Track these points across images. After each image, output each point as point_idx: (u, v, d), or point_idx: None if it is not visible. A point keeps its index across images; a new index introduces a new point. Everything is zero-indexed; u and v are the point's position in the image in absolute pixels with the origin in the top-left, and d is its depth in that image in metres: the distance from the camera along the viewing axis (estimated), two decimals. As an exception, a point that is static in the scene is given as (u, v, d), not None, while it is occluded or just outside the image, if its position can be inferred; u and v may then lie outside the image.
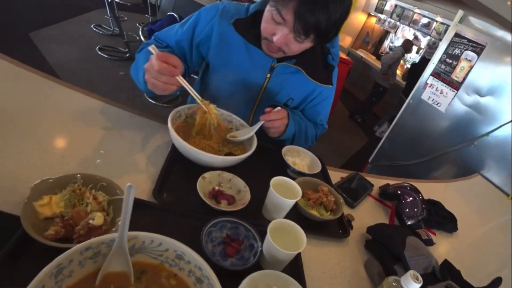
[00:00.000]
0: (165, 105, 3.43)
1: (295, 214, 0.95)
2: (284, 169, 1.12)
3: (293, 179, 0.95)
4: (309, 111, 1.30)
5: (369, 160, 3.25)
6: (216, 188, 0.89)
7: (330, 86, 1.22)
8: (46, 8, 4.53)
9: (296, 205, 0.93)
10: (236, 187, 0.92)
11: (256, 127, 1.05)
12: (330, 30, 0.94)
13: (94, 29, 4.44)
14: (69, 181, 0.68)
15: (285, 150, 1.14)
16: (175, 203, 0.82)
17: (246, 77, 1.16)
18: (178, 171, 0.92)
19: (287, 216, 0.87)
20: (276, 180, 0.88)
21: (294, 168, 1.08)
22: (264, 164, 1.10)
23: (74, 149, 0.86)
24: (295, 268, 0.78)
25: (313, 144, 1.36)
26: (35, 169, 0.76)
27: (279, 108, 1.07)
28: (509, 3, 1.55)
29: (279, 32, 0.95)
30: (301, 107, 1.28)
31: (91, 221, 0.60)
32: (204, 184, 0.87)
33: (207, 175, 0.89)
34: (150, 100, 3.37)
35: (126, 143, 0.96)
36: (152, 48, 0.89)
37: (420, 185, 1.40)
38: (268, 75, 1.15)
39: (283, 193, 0.84)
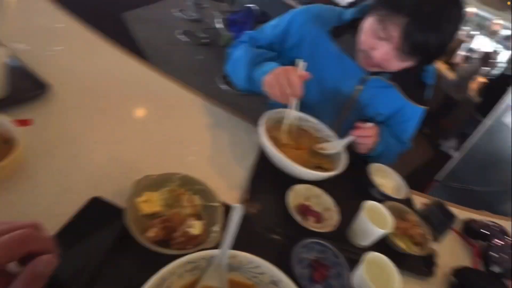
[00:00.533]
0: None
1: (379, 245, 0.85)
2: (366, 188, 1.03)
3: (377, 200, 0.87)
4: (396, 128, 1.19)
5: (437, 179, 2.98)
6: (304, 202, 0.84)
7: (423, 108, 1.13)
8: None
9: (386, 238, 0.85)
10: (324, 204, 0.86)
11: (346, 141, 0.99)
12: (439, 52, 0.85)
13: (177, 13, 4.58)
14: (167, 180, 0.67)
15: (374, 169, 1.05)
16: (261, 213, 0.78)
17: (335, 87, 1.09)
18: (265, 179, 0.89)
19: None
20: (368, 204, 0.81)
21: (381, 191, 0.99)
22: (347, 179, 1.00)
23: (174, 145, 0.87)
24: None
25: (394, 162, 1.25)
26: (134, 161, 0.77)
27: (371, 124, 1.00)
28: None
29: (381, 48, 0.88)
30: (387, 122, 1.18)
31: (189, 229, 0.58)
32: (293, 197, 0.83)
33: (297, 187, 0.85)
34: (221, 87, 3.40)
35: (219, 141, 0.95)
36: (302, 65, 0.92)
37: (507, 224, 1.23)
38: (359, 87, 1.07)
39: (374, 219, 0.78)
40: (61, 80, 0.88)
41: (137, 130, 0.86)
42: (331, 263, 0.72)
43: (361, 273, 0.64)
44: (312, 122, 1.06)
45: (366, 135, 0.99)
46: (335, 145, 1.01)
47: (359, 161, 1.08)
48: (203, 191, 0.68)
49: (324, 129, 1.06)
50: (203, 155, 0.88)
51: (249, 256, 0.54)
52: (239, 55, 1.06)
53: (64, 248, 0.43)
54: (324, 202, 0.87)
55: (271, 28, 1.13)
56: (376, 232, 0.78)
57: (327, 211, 0.85)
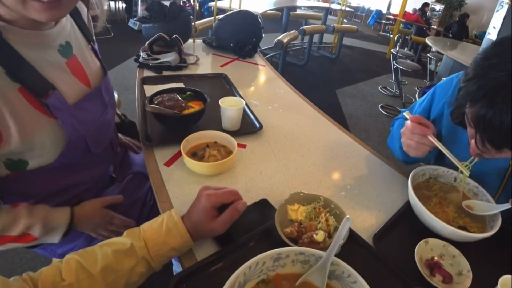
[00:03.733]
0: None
1: None
2: None
3: None
4: None
5: None
6: (436, 258, 0.75)
7: None
8: (350, 72, 5.28)
9: None
10: (458, 267, 0.74)
11: (502, 207, 0.81)
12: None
13: (381, 90, 4.72)
14: (315, 199, 0.80)
15: None
16: (388, 252, 0.77)
17: (484, 164, 0.89)
18: (404, 227, 0.86)
19: None
20: (506, 278, 0.66)
21: None
22: (497, 248, 0.82)
23: (332, 177, 1.00)
24: None
25: None
26: (298, 178, 0.96)
27: None
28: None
29: (471, 139, 0.74)
30: None
31: (314, 235, 0.69)
32: (425, 249, 0.76)
33: (431, 240, 0.77)
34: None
35: (370, 186, 0.99)
36: (406, 113, 0.89)
37: None
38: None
39: None
40: (270, 124, 1.20)
41: (310, 165, 1.03)
42: None
43: None
44: (469, 183, 0.92)
45: None
46: (488, 208, 0.84)
47: None
48: (339, 215, 0.76)
49: (482, 193, 0.90)
50: (352, 192, 0.95)
51: (350, 269, 0.57)
52: (393, 129, 1.08)
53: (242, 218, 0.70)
54: (459, 264, 0.74)
55: (419, 103, 1.09)
56: None
57: (459, 276, 0.72)
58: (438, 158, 1.13)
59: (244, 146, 1.06)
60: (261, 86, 1.63)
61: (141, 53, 1.64)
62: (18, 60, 0.63)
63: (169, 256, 0.64)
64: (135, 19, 5.31)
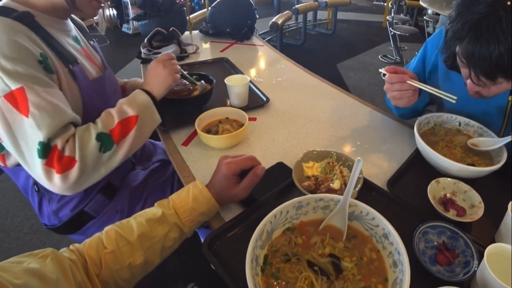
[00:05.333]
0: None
1: None
2: None
3: None
4: None
5: None
6: (448, 195, 0.79)
7: None
8: (349, 45, 5.22)
9: None
10: (470, 200, 0.77)
11: (505, 140, 0.83)
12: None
13: (381, 59, 4.67)
14: (327, 155, 0.84)
15: None
16: (402, 194, 0.80)
17: (483, 105, 0.93)
18: (415, 172, 0.89)
19: None
20: None
21: None
22: (505, 179, 0.84)
23: (341, 136, 1.03)
24: None
25: None
26: (309, 141, 1.00)
27: None
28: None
29: (467, 79, 0.77)
30: None
31: (331, 184, 0.73)
32: (437, 188, 0.79)
33: (441, 180, 0.80)
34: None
35: (379, 141, 1.02)
36: (381, 70, 0.92)
37: None
38: (510, 98, 0.89)
39: None
40: (277, 97, 1.23)
41: (319, 128, 1.06)
42: (460, 251, 0.66)
43: (484, 261, 0.56)
44: (474, 126, 0.95)
45: None
46: (493, 143, 0.86)
47: None
48: (352, 167, 0.79)
49: (488, 133, 0.92)
50: (363, 147, 0.99)
51: (368, 207, 0.61)
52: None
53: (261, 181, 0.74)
54: (470, 198, 0.77)
55: (413, 61, 1.11)
56: None
57: (472, 208, 0.75)
58: (439, 109, 1.15)
59: (254, 119, 1.10)
60: (262, 64, 1.65)
61: (142, 50, 1.68)
62: (49, 36, 0.78)
63: (199, 220, 0.69)
64: (129, 18, 5.32)
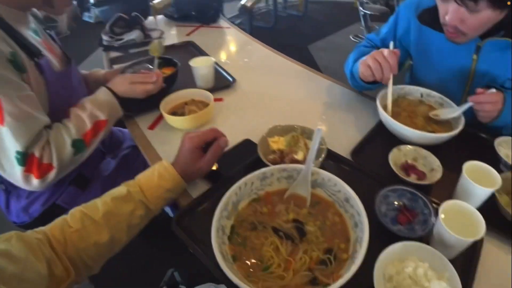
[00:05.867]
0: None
1: (496, 216, 0.73)
2: (496, 163, 0.88)
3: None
4: None
5: None
6: (409, 162, 0.84)
7: None
8: (320, 26, 5.25)
9: (496, 203, 0.73)
10: (430, 165, 0.82)
11: (463, 108, 0.88)
12: None
13: (352, 38, 4.74)
14: (292, 129, 0.86)
15: (501, 140, 0.87)
16: (365, 163, 0.85)
17: (450, 65, 0.99)
18: (377, 141, 0.94)
19: (483, 211, 0.66)
20: (471, 164, 0.72)
21: (506, 162, 0.82)
22: (470, 153, 0.88)
23: (307, 112, 1.06)
24: (466, 263, 0.63)
25: None
26: (275, 118, 0.99)
27: (493, 90, 0.85)
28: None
29: (450, 9, 0.80)
30: None
31: (295, 155, 0.76)
32: (398, 155, 0.84)
33: (402, 147, 0.85)
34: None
35: (343, 114, 1.06)
36: (392, 44, 0.96)
37: None
38: (475, 57, 0.94)
39: (479, 180, 0.68)
40: (243, 77, 1.24)
41: (286, 105, 1.09)
42: (419, 211, 0.71)
43: (438, 217, 0.61)
44: (435, 96, 1.00)
45: (486, 101, 0.85)
46: (452, 112, 0.92)
47: (490, 136, 0.94)
48: None
49: (448, 102, 0.98)
50: (328, 121, 1.02)
51: (329, 174, 0.65)
52: (349, 56, 1.13)
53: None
54: (430, 162, 0.82)
55: (384, 26, 1.14)
56: (478, 191, 0.68)
57: (432, 172, 0.80)
58: (410, 77, 1.20)
59: (221, 99, 1.10)
60: (229, 46, 1.64)
61: (103, 36, 1.63)
62: (11, 28, 0.76)
63: (165, 197, 0.69)
64: (89, 4, 5.09)
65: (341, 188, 0.64)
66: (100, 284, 1.34)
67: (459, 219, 0.62)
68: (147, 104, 1.02)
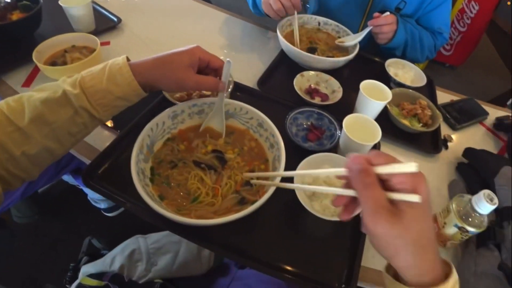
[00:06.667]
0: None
1: (389, 125, 0.91)
2: (387, 81, 1.03)
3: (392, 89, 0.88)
4: (424, 19, 1.13)
5: (508, 103, 2.54)
6: (313, 86, 0.92)
7: None
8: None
9: (388, 114, 0.90)
10: (331, 87, 0.93)
11: (364, 32, 1.00)
12: None
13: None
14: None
15: (390, 62, 1.05)
16: (272, 91, 0.91)
17: None
18: (281, 70, 1.00)
19: (379, 122, 0.80)
20: (367, 83, 0.85)
21: (395, 79, 1.00)
22: (366, 75, 1.00)
23: (207, 48, 1.02)
24: None
25: (432, 56, 1.19)
26: None
27: (387, 13, 0.98)
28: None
29: None
30: (416, 14, 1.12)
31: (204, 91, 0.76)
32: (302, 81, 0.91)
33: (305, 73, 0.92)
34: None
35: (245, 47, 1.08)
36: None
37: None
38: None
39: (373, 96, 0.81)
40: (130, 16, 1.12)
41: (183, 41, 0.99)
42: (325, 128, 0.81)
43: (343, 129, 0.72)
44: (331, 24, 1.10)
45: (382, 23, 0.97)
46: (356, 37, 1.02)
47: (382, 59, 1.09)
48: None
49: (344, 29, 1.09)
50: (230, 55, 1.04)
51: (240, 103, 0.67)
52: None
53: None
54: (331, 85, 0.93)
55: None
56: (374, 105, 0.81)
57: (333, 93, 0.91)
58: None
59: (108, 43, 0.99)
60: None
61: None
62: None
63: (115, 105, 0.56)
64: None
65: (253, 115, 0.68)
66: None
67: (360, 129, 0.74)
68: (11, 54, 0.86)
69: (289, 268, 0.58)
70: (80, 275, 0.78)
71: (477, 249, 0.66)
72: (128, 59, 0.57)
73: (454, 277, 0.36)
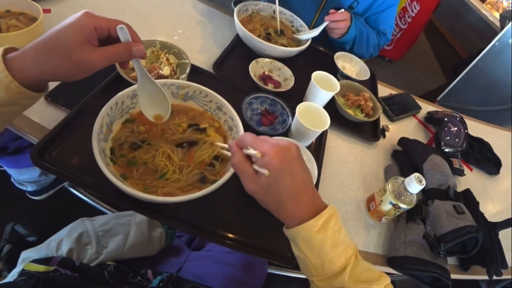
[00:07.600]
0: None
1: (335, 113, 1.00)
2: (335, 73, 1.12)
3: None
4: (372, 18, 1.26)
5: (438, 99, 2.92)
6: (266, 73, 0.98)
7: None
8: None
9: (335, 104, 0.99)
10: (284, 75, 0.99)
11: (321, 27, 1.07)
12: None
13: None
14: (151, 45, 0.84)
15: (338, 54, 1.15)
16: (227, 75, 0.94)
17: None
18: (236, 55, 1.04)
19: (327, 109, 0.88)
20: (318, 74, 0.93)
21: (342, 72, 1.11)
22: (316, 66, 1.08)
23: (160, 27, 1.03)
24: (316, 147, 0.88)
25: (375, 54, 1.32)
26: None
27: (342, 10, 1.07)
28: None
29: None
30: (365, 14, 1.24)
31: (160, 71, 0.77)
32: (256, 68, 0.96)
33: (260, 60, 0.98)
34: None
35: (200, 28, 1.09)
36: None
37: (479, 126, 1.39)
38: None
39: (323, 86, 0.89)
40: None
41: (135, 17, 1.02)
42: (278, 113, 0.88)
43: (295, 115, 0.79)
44: (286, 14, 1.17)
45: (337, 19, 1.06)
46: (313, 31, 1.10)
47: (331, 52, 1.19)
48: (178, 53, 0.85)
49: (296, 20, 1.16)
50: (185, 35, 1.04)
51: (199, 86, 0.70)
52: None
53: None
54: (284, 73, 1.00)
55: None
56: (323, 94, 0.90)
57: (285, 81, 0.98)
58: None
59: (48, 11, 0.92)
60: None
61: None
62: None
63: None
64: None
65: (213, 98, 0.71)
66: None
67: (311, 116, 0.82)
68: None
69: (245, 240, 0.65)
70: (20, 261, 0.76)
71: (407, 223, 0.81)
72: (12, 50, 0.46)
73: (329, 211, 0.48)
